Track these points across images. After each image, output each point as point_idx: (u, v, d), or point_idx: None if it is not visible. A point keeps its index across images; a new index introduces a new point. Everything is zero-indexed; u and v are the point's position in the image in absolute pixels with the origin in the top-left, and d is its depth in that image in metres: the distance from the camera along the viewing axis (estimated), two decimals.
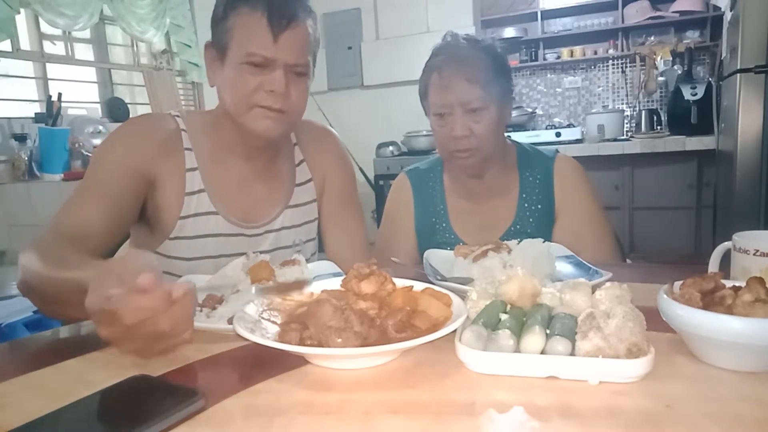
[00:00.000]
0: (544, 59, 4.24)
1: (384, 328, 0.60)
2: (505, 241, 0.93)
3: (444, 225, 1.31)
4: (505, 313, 0.63)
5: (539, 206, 1.27)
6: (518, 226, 1.26)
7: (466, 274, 0.87)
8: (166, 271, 1.04)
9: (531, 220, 1.26)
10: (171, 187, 1.02)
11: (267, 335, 0.60)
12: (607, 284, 0.62)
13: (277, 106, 0.96)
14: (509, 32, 4.19)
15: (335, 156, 1.22)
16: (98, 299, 0.56)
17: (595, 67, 4.18)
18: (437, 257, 0.97)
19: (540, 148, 1.36)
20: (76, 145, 2.69)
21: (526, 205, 1.27)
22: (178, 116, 1.07)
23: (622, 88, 4.07)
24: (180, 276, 0.99)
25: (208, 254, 1.04)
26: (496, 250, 0.90)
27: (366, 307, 0.62)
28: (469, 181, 1.29)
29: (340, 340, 0.56)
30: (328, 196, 1.20)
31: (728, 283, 0.59)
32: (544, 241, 0.91)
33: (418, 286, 0.69)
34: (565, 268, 0.91)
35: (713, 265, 0.80)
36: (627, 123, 3.94)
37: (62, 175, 2.62)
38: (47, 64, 3.20)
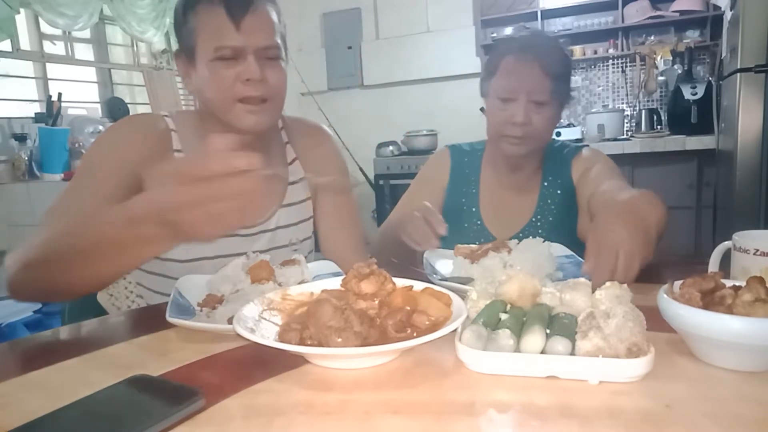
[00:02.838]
0: None
1: (384, 328, 0.60)
2: (506, 241, 0.93)
3: (473, 210, 1.31)
4: (505, 312, 0.63)
5: (558, 192, 1.28)
6: (539, 216, 1.28)
7: (465, 274, 0.87)
8: (163, 274, 1.03)
9: (553, 207, 1.28)
10: None
11: (267, 335, 0.60)
12: (607, 284, 0.62)
13: (257, 94, 0.95)
14: (509, 32, 4.19)
15: (328, 153, 1.21)
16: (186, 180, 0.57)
17: (595, 67, 4.17)
18: (437, 257, 0.97)
19: (563, 141, 1.38)
20: (76, 145, 2.69)
21: (548, 198, 1.28)
22: (167, 116, 1.06)
23: (622, 87, 4.07)
24: (177, 278, 0.97)
25: (203, 255, 1.02)
26: (495, 249, 0.90)
27: (366, 306, 0.62)
28: (507, 173, 1.30)
29: (340, 339, 0.56)
30: (324, 194, 1.19)
31: (728, 283, 0.59)
32: (544, 241, 0.91)
33: (418, 286, 0.69)
34: (565, 268, 0.91)
35: (713, 264, 0.80)
36: (627, 122, 3.94)
37: (62, 175, 2.62)
38: (47, 64, 3.20)
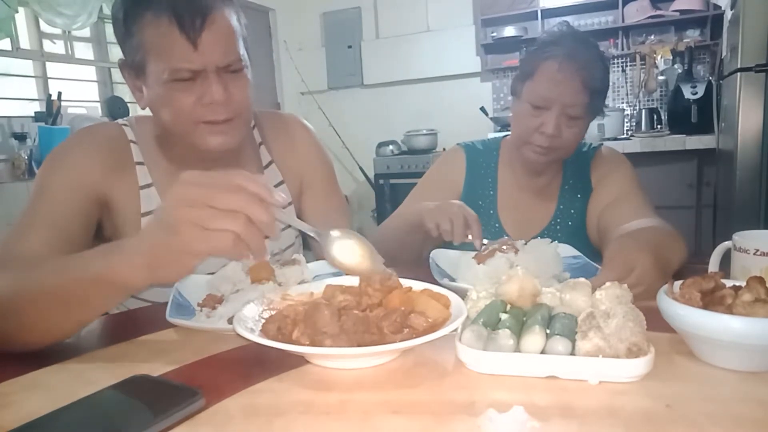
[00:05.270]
0: None
1: (382, 329, 0.60)
2: (513, 241, 0.92)
3: (491, 212, 1.29)
4: (505, 312, 0.63)
5: (578, 196, 1.27)
6: (558, 220, 1.27)
7: (471, 274, 0.86)
8: (143, 298, 0.98)
9: (573, 211, 1.26)
10: (126, 208, 0.93)
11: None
12: (607, 284, 0.62)
13: (221, 118, 0.87)
14: (509, 31, 4.19)
15: (309, 150, 1.12)
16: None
17: None
18: (443, 257, 0.96)
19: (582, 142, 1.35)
20: None
21: (568, 202, 1.27)
22: (126, 125, 0.99)
23: (623, 87, 4.07)
24: (158, 300, 0.92)
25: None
26: (502, 250, 0.89)
27: (341, 300, 0.62)
28: (526, 177, 1.28)
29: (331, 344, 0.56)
30: (310, 194, 1.13)
31: (728, 283, 0.59)
32: (551, 242, 0.90)
33: (418, 286, 0.69)
34: (572, 268, 0.90)
35: (713, 264, 0.80)
36: (627, 122, 3.94)
37: None
38: (47, 63, 3.20)
